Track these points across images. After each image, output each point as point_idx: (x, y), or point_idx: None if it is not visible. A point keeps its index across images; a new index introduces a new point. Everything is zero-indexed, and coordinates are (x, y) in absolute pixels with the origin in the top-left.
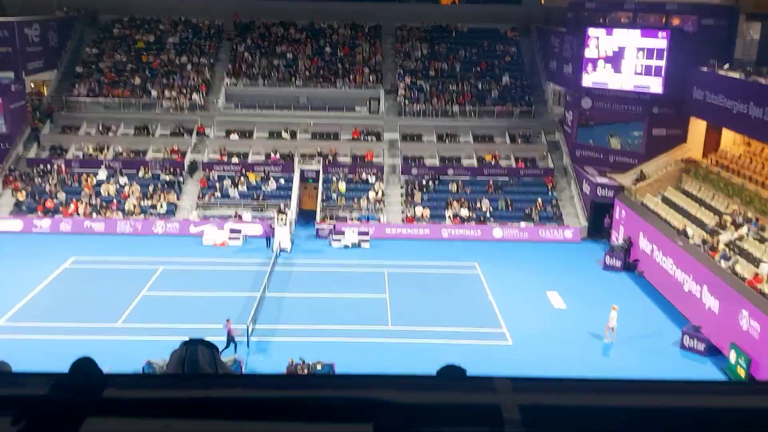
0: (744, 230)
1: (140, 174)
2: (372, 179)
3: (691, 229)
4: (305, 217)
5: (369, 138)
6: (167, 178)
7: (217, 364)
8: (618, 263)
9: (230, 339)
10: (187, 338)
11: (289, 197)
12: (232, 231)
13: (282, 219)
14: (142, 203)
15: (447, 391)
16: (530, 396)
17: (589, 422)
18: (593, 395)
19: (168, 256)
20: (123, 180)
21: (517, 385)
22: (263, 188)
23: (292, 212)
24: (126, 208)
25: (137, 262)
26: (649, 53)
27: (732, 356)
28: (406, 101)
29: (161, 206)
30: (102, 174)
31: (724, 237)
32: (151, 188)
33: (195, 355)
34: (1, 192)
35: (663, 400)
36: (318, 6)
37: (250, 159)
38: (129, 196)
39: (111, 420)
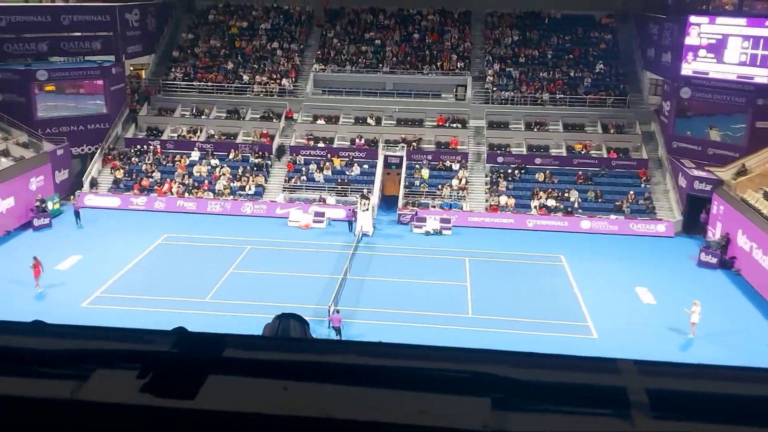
0: None
1: (230, 156)
2: (456, 167)
3: None
4: (388, 202)
5: (454, 125)
6: (256, 160)
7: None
8: (714, 260)
9: (336, 329)
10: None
11: (373, 182)
12: (317, 214)
13: (365, 204)
14: (231, 184)
15: (568, 369)
16: (658, 380)
17: (717, 409)
18: (722, 383)
19: (255, 236)
20: (214, 162)
21: (642, 368)
22: (347, 173)
23: (374, 197)
24: (216, 188)
25: (226, 241)
26: (755, 42)
27: None
28: (494, 88)
29: (250, 188)
30: (195, 155)
31: None
32: (240, 170)
33: (287, 329)
34: (101, 170)
35: None
36: None
37: (336, 144)
38: (219, 177)
39: (232, 379)
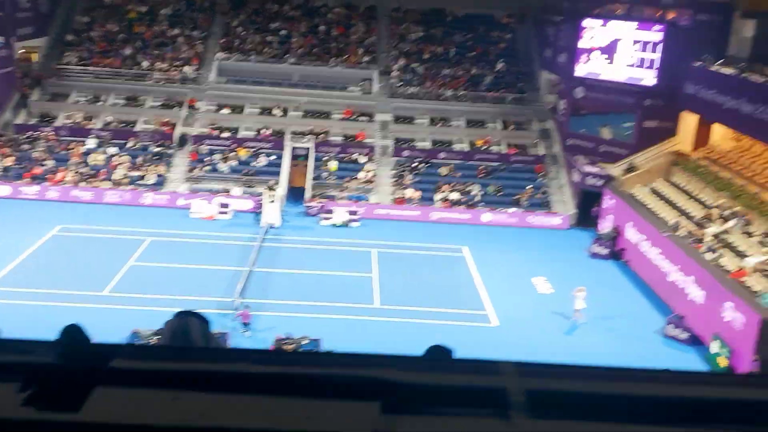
0: (731, 224)
1: (129, 144)
2: (363, 159)
3: (679, 221)
4: (295, 194)
5: (361, 118)
6: (156, 149)
7: (208, 338)
8: (605, 251)
9: (245, 324)
10: (176, 310)
11: (279, 174)
12: (221, 205)
13: (271, 196)
14: (130, 174)
15: (454, 372)
16: (535, 381)
17: (593, 409)
18: (598, 382)
19: (156, 227)
20: (112, 150)
21: (521, 369)
22: (253, 164)
23: (281, 189)
24: (114, 178)
25: (125, 232)
26: (644, 46)
27: (714, 347)
28: (400, 83)
29: (150, 178)
30: (91, 143)
31: (711, 230)
32: (140, 159)
33: (187, 327)
34: None
35: (669, 389)
36: None
37: (241, 134)
38: (117, 166)
39: (119, 390)
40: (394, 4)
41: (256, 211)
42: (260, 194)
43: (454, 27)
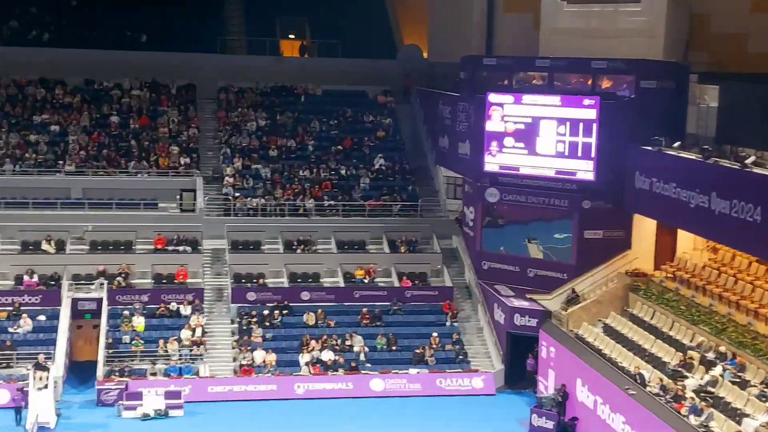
0: (718, 371)
1: None
2: (186, 310)
3: (647, 371)
4: (80, 372)
5: (181, 248)
6: None
7: None
8: (550, 424)
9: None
10: None
11: (54, 344)
12: None
13: (42, 378)
14: None
15: None
16: None
17: None
18: None
19: None
20: None
21: None
22: (11, 330)
23: (57, 367)
24: None
25: None
26: (573, 127)
27: None
28: (237, 194)
29: None
30: None
31: (692, 381)
32: None
33: None
34: None
35: None
36: (99, 57)
37: None
38: None
39: None
40: (222, 82)
41: (18, 406)
42: (24, 378)
43: (310, 111)
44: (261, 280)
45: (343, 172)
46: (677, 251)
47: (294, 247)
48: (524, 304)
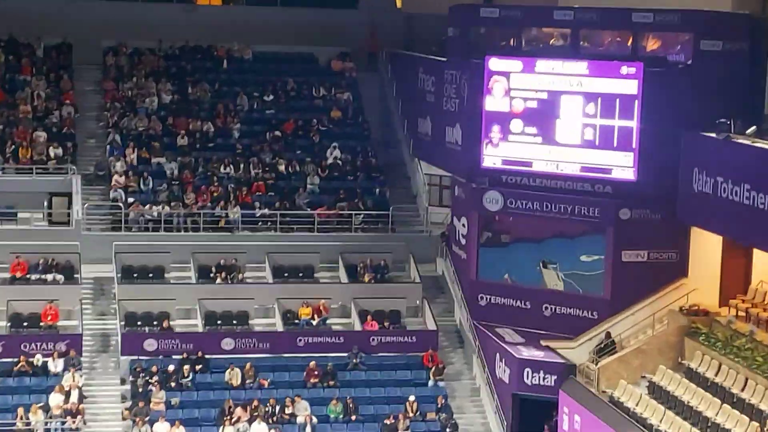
0: None
1: None
2: (57, 366)
3: None
4: None
5: (50, 276)
6: None
7: None
8: None
9: None
10: None
11: None
12: None
13: None
14: None
15: None
16: None
17: None
18: None
19: None
20: None
21: None
22: None
23: None
24: None
25: None
26: (607, 105)
27: None
28: (132, 199)
29: None
30: None
31: None
32: None
33: None
34: None
35: None
36: None
37: None
38: None
39: None
40: (108, 41)
41: None
42: None
43: (236, 81)
44: (165, 323)
45: (282, 168)
46: (752, 280)
47: (212, 275)
48: (538, 354)
